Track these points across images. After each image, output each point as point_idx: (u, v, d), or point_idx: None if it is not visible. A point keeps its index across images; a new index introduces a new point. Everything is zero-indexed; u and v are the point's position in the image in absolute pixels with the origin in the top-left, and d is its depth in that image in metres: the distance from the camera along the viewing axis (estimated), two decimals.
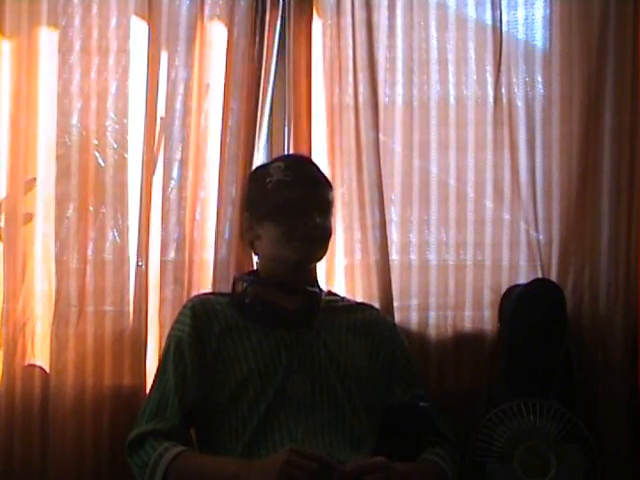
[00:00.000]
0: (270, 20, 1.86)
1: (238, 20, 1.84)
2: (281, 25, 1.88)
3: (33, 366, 1.79)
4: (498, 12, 1.89)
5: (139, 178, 1.83)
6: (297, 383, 1.48)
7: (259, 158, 1.85)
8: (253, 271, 1.68)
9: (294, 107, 1.90)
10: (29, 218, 1.80)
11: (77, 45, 1.83)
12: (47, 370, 1.79)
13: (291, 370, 1.49)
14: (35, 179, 1.81)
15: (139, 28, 1.84)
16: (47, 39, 1.82)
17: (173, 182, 1.84)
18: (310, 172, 1.62)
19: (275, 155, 1.91)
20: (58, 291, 1.79)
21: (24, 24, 1.81)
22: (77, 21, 1.83)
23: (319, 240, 1.57)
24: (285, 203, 1.54)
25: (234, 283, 1.59)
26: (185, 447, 1.43)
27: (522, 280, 1.88)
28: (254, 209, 1.61)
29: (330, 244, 1.86)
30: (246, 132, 1.84)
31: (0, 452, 1.77)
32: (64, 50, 1.82)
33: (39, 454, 1.77)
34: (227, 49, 1.84)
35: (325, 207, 1.60)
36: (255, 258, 1.71)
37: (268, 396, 1.46)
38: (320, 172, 1.65)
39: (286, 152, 1.93)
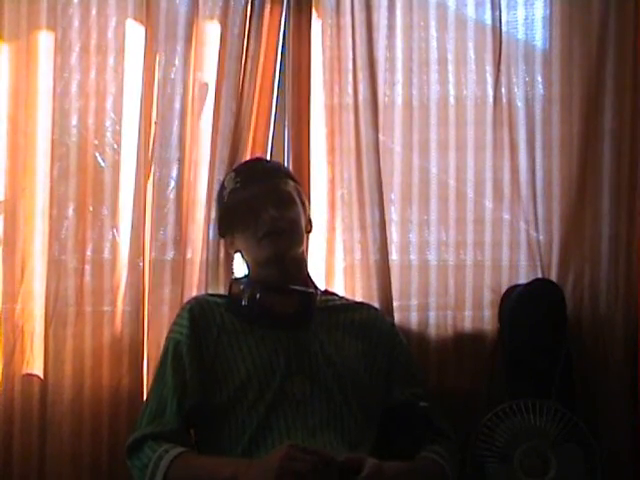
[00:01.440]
0: (271, 19, 1.87)
1: (233, 20, 1.84)
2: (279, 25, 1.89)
3: (32, 365, 1.78)
4: (498, 12, 1.88)
5: (138, 178, 1.82)
6: (295, 385, 1.48)
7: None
8: (245, 276, 1.67)
9: (294, 108, 1.91)
10: (33, 212, 1.80)
11: (76, 46, 1.83)
12: (45, 370, 1.78)
13: (289, 373, 1.48)
14: (40, 173, 1.81)
15: (138, 29, 1.84)
16: (46, 40, 1.82)
17: (172, 182, 1.83)
18: (258, 170, 1.62)
19: (275, 155, 1.91)
20: (56, 291, 1.79)
21: (23, 25, 1.81)
22: (76, 22, 1.83)
23: (285, 232, 1.56)
24: (239, 208, 1.56)
25: (230, 285, 1.59)
26: (185, 448, 1.43)
27: (522, 280, 1.87)
28: (224, 225, 1.63)
29: (330, 244, 1.88)
30: (238, 132, 1.84)
31: None
32: (63, 50, 1.82)
33: (37, 454, 1.77)
34: (221, 48, 1.84)
35: (283, 199, 1.58)
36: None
37: (267, 399, 1.46)
38: (275, 168, 1.66)
39: (286, 152, 1.94)
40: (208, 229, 1.82)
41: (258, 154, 1.86)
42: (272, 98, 1.89)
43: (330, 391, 1.49)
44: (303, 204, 1.65)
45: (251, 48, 1.85)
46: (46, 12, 1.81)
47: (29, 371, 1.79)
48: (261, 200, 1.55)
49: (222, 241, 1.77)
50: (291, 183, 1.63)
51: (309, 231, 1.67)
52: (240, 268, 1.73)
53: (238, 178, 1.59)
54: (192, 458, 1.43)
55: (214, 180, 1.82)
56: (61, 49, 1.81)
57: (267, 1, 1.87)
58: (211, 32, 1.86)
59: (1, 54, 1.81)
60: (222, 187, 1.65)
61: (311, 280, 1.65)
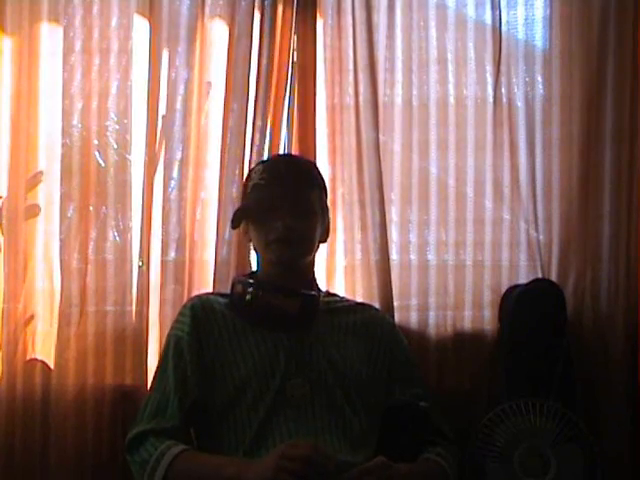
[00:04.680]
0: (283, 20, 1.87)
1: (239, 19, 1.85)
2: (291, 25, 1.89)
3: (34, 365, 1.79)
4: (498, 12, 1.89)
5: (140, 178, 1.83)
6: (296, 386, 1.47)
7: (259, 158, 1.85)
8: (251, 273, 1.68)
9: (299, 107, 1.91)
10: (34, 211, 1.81)
11: (78, 45, 1.84)
12: (48, 370, 1.79)
13: (289, 373, 1.48)
14: (42, 172, 1.81)
15: (140, 28, 1.85)
16: (48, 39, 1.83)
17: (173, 182, 1.84)
18: (287, 173, 1.57)
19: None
20: (60, 291, 1.80)
21: (25, 24, 1.82)
22: (78, 21, 1.84)
23: (296, 243, 1.53)
24: (257, 206, 1.54)
25: (233, 285, 1.58)
26: (187, 446, 1.43)
27: (522, 280, 1.88)
28: (240, 215, 1.61)
29: (330, 244, 1.88)
30: (246, 132, 1.84)
31: (1, 451, 1.77)
32: (65, 50, 1.83)
33: (40, 452, 1.78)
34: (228, 48, 1.85)
35: (301, 208, 1.54)
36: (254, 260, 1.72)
37: (267, 400, 1.46)
38: (303, 173, 1.60)
39: (287, 152, 1.94)
40: (217, 229, 1.82)
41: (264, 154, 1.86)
42: (284, 98, 1.89)
43: (332, 393, 1.49)
44: (323, 213, 1.60)
45: (264, 48, 1.85)
46: (47, 11, 1.83)
47: (31, 370, 1.79)
48: (279, 204, 1.52)
49: (231, 241, 1.79)
50: (316, 190, 1.59)
51: (323, 240, 1.63)
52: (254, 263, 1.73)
53: (264, 174, 1.55)
54: (194, 456, 1.43)
55: (224, 181, 1.82)
56: (62, 49, 1.82)
57: (279, 1, 1.87)
58: (215, 32, 1.86)
59: (3, 53, 1.82)
60: (248, 177, 1.63)
61: (315, 282, 1.64)
